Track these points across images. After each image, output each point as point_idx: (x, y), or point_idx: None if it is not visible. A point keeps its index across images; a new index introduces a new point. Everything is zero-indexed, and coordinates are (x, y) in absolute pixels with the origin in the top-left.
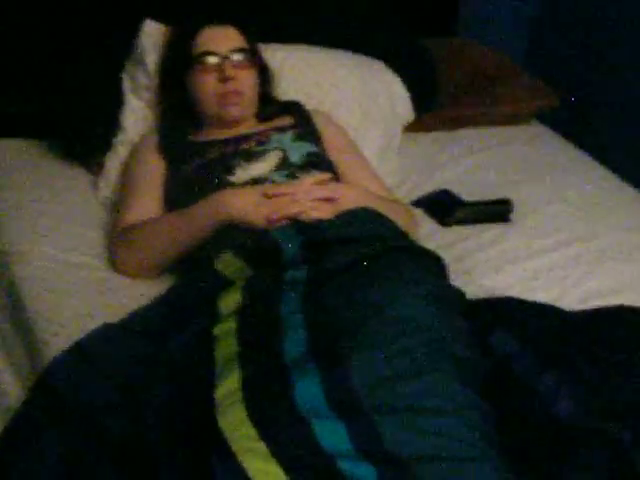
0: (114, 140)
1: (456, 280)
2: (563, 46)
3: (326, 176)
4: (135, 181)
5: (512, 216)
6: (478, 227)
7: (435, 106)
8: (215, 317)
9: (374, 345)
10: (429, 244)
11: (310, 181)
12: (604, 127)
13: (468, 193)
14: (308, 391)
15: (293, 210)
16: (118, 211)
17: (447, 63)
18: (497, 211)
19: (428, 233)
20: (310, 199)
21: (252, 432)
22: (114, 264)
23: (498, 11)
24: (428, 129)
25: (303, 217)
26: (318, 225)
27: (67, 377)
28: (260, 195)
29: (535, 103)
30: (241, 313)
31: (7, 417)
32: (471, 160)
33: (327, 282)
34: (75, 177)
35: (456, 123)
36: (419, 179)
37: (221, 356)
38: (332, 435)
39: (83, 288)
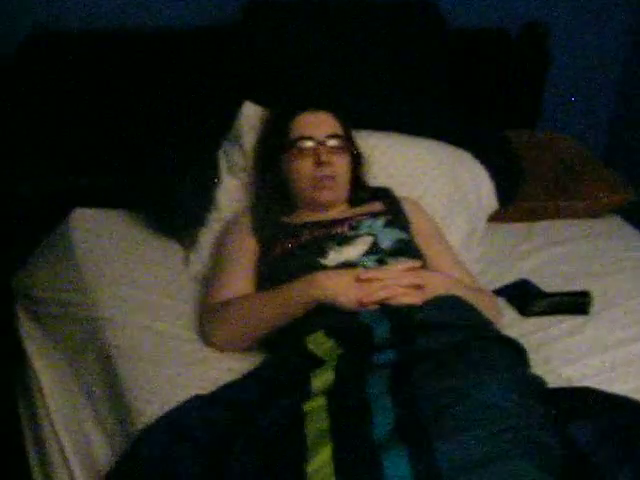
0: (208, 216)
1: (535, 369)
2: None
3: (416, 263)
4: (228, 258)
5: (592, 308)
6: (557, 318)
7: (517, 196)
8: (306, 394)
9: (461, 429)
10: (509, 333)
11: (401, 267)
12: None
13: (547, 284)
14: (397, 470)
15: (384, 295)
16: (210, 286)
17: (530, 155)
18: (576, 303)
19: (508, 322)
20: (400, 285)
21: None
22: (205, 337)
23: (581, 104)
24: (510, 220)
25: (393, 302)
26: (407, 310)
27: (156, 447)
28: (352, 278)
29: (614, 198)
30: (331, 392)
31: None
32: (551, 252)
33: (414, 366)
34: (167, 250)
35: (536, 215)
36: (500, 269)
37: (312, 432)
38: None
39: (174, 358)
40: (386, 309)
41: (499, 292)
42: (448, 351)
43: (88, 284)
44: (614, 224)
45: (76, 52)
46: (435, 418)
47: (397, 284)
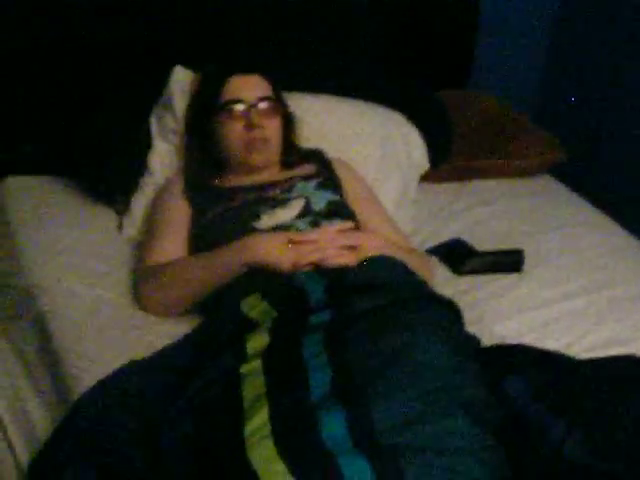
0: (140, 181)
1: (469, 327)
2: (574, 96)
3: (349, 224)
4: (161, 222)
5: (524, 266)
6: (490, 276)
7: (449, 157)
8: (241, 357)
9: (395, 389)
10: (443, 291)
11: (334, 229)
12: (613, 181)
13: (480, 243)
14: (334, 428)
15: (317, 256)
16: (143, 250)
17: (461, 115)
18: (509, 261)
19: (442, 281)
20: (333, 246)
21: (282, 467)
22: (139, 302)
23: (511, 62)
24: (441, 180)
25: (327, 263)
26: (342, 271)
27: (94, 412)
28: (286, 241)
29: (545, 157)
30: (267, 354)
31: (33, 447)
32: (483, 210)
33: (349, 326)
34: (99, 215)
35: (468, 174)
36: (433, 228)
37: (248, 394)
38: (358, 473)
39: (110, 324)
40: (320, 271)
41: (432, 251)
42: (382, 311)
43: (22, 252)
44: (545, 183)
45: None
46: (370, 378)
47: (330, 245)
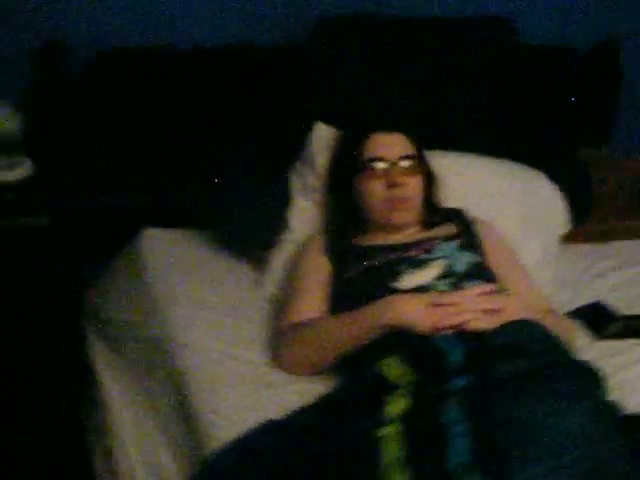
0: (280, 237)
1: (611, 394)
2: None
3: (490, 287)
4: (301, 281)
5: None
6: (632, 341)
7: (590, 217)
8: (379, 420)
9: (540, 458)
10: (584, 356)
11: (475, 291)
12: None
13: (622, 306)
14: None
15: (459, 319)
16: (282, 309)
17: (602, 175)
18: None
19: (583, 345)
20: (475, 309)
21: None
22: (277, 360)
23: None
24: (582, 241)
25: (467, 327)
26: (482, 335)
27: (228, 470)
28: (427, 303)
29: None
30: (406, 418)
31: None
32: (625, 273)
33: (490, 393)
34: (237, 271)
35: (609, 235)
36: (574, 290)
37: (386, 458)
38: None
39: (247, 382)
40: (461, 334)
41: (573, 314)
42: (525, 377)
43: (158, 305)
44: None
45: (139, 69)
46: (512, 447)
47: (472, 309)
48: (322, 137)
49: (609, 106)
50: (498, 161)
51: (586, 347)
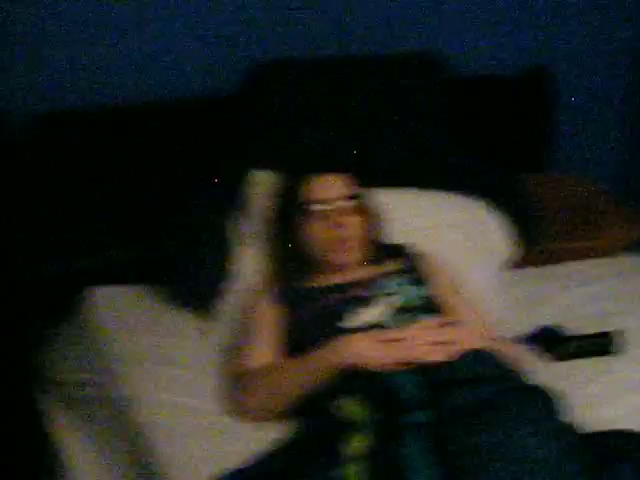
0: (225, 287)
1: (568, 414)
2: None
3: (437, 320)
4: (251, 327)
5: (617, 348)
6: (583, 360)
7: (535, 241)
8: (339, 460)
9: None
10: (540, 379)
11: (423, 325)
12: None
13: (571, 327)
14: None
15: (409, 354)
16: (235, 356)
17: (543, 198)
18: (601, 344)
19: (535, 369)
20: (426, 343)
21: None
22: (235, 408)
23: (590, 142)
24: (527, 264)
25: (420, 361)
26: (436, 368)
27: None
28: (375, 340)
29: (630, 234)
30: (367, 456)
31: None
32: (572, 293)
33: (449, 424)
34: (187, 323)
35: (554, 257)
36: (522, 314)
37: None
38: None
39: (203, 433)
40: (415, 368)
41: (525, 340)
42: (482, 406)
43: (112, 363)
44: (628, 262)
45: (83, 130)
46: (474, 474)
47: (423, 342)
48: (259, 183)
49: (543, 131)
50: (437, 193)
51: (541, 370)
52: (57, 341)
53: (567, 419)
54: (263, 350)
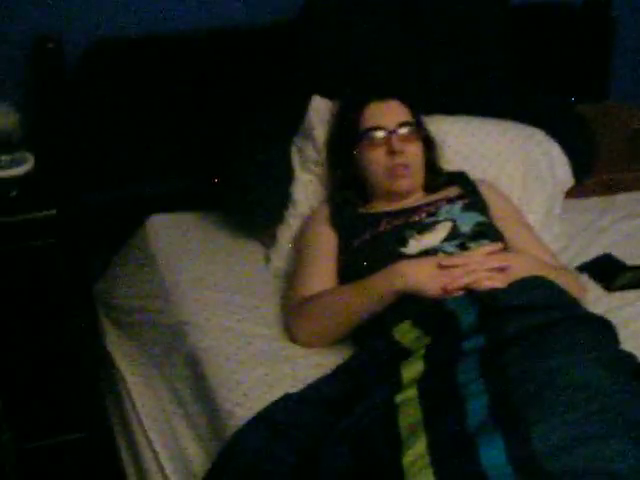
0: (285, 213)
1: (624, 344)
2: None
3: (497, 246)
4: (308, 253)
5: None
6: None
7: (593, 171)
8: (396, 386)
9: (555, 411)
10: (595, 309)
11: (482, 251)
12: None
13: (631, 257)
14: (493, 455)
15: (467, 280)
16: (292, 283)
17: (602, 128)
18: None
19: (594, 299)
20: (483, 269)
21: None
22: (291, 335)
23: None
24: (587, 195)
25: (477, 287)
26: (492, 294)
27: (252, 446)
28: (435, 266)
29: None
30: (422, 381)
31: None
32: (631, 224)
33: (503, 350)
34: (246, 249)
35: (614, 188)
36: (582, 244)
37: (405, 423)
38: None
39: (261, 358)
40: (471, 295)
41: (582, 268)
42: (536, 333)
43: (169, 289)
44: None
45: (138, 57)
46: (528, 402)
47: (480, 269)
48: (319, 109)
49: (604, 60)
50: (497, 122)
51: (597, 300)
52: (118, 268)
53: (622, 348)
54: (319, 276)
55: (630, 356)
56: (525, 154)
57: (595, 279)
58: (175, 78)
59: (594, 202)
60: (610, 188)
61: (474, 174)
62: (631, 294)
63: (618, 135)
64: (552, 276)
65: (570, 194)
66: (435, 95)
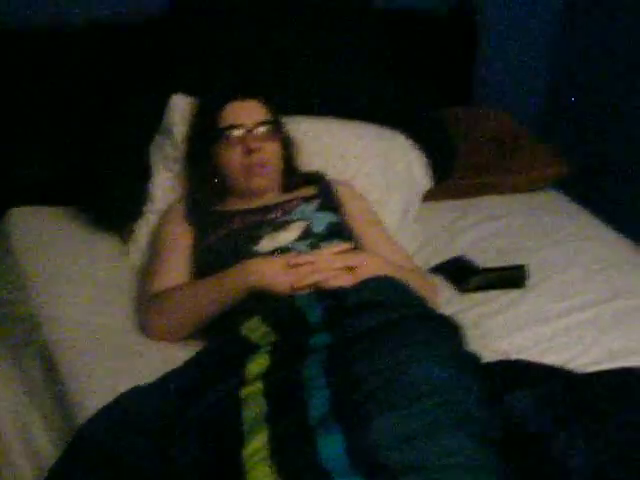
0: (144, 209)
1: (472, 344)
2: (578, 111)
3: (347, 245)
4: (163, 248)
5: (528, 281)
6: (494, 292)
7: (452, 174)
8: (242, 380)
9: (393, 406)
10: (447, 310)
11: (331, 250)
12: (618, 193)
13: (485, 260)
14: (332, 449)
15: (315, 278)
16: (146, 278)
17: (463, 131)
18: (512, 277)
19: (446, 299)
20: (331, 268)
21: None
22: (144, 328)
23: (513, 77)
24: (446, 197)
25: (325, 285)
26: (338, 293)
27: (103, 433)
28: (284, 264)
29: (549, 171)
30: (267, 376)
31: (39, 473)
32: (488, 227)
33: (348, 347)
34: (104, 243)
35: (473, 191)
36: (438, 246)
37: (248, 417)
38: None
39: (114, 351)
40: (319, 293)
41: (435, 270)
42: (382, 330)
43: (26, 282)
44: (550, 197)
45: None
46: (370, 396)
47: (327, 267)
48: (180, 107)
49: (466, 65)
50: (357, 123)
51: (449, 301)
52: None
53: (468, 348)
54: (173, 272)
55: (472, 354)
56: (384, 156)
57: (448, 280)
58: (39, 72)
59: (456, 204)
60: (469, 191)
61: (332, 174)
62: (482, 295)
63: (478, 138)
64: (400, 276)
65: (430, 196)
66: (296, 96)
